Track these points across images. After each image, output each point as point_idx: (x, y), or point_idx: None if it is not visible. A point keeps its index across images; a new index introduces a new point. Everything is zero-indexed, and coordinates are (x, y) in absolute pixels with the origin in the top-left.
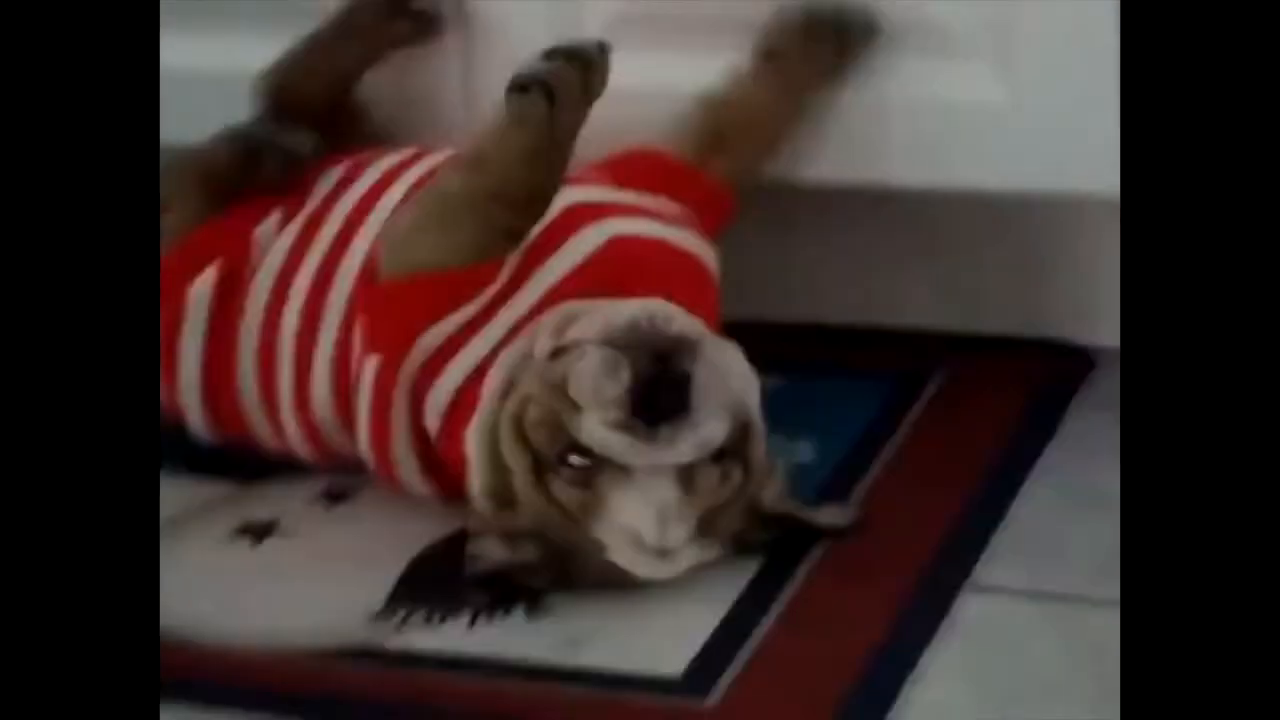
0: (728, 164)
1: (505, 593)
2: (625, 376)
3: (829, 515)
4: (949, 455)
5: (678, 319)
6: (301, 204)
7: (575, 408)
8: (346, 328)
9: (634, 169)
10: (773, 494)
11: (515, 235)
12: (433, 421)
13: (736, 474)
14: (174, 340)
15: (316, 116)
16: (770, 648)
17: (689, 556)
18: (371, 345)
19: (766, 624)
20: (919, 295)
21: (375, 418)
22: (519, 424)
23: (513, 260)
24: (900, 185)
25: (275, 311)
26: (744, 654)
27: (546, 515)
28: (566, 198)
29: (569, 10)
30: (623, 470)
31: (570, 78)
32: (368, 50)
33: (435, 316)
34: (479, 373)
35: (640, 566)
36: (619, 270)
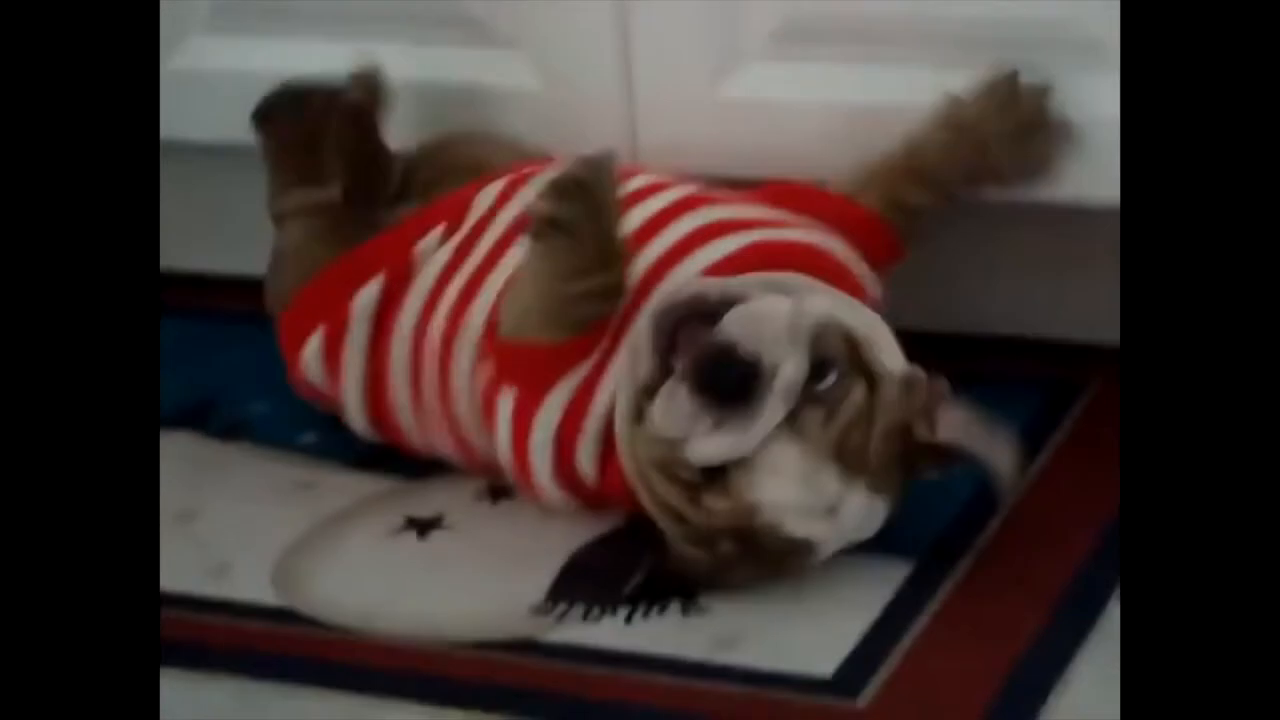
0: (879, 197)
1: (661, 590)
2: (687, 392)
3: (999, 454)
4: (1102, 464)
5: (688, 286)
6: (463, 219)
7: (677, 445)
8: (484, 346)
9: (783, 194)
10: (927, 418)
11: (609, 293)
12: (587, 466)
13: (855, 390)
14: (339, 348)
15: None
16: (922, 650)
17: (854, 504)
18: (506, 382)
19: (918, 626)
20: (1076, 307)
21: (516, 448)
22: (653, 480)
23: (637, 281)
24: (1065, 201)
25: (424, 324)
26: (895, 656)
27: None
28: (706, 215)
29: (729, 13)
30: (740, 461)
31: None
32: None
33: (561, 372)
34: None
35: (816, 530)
36: (748, 269)
